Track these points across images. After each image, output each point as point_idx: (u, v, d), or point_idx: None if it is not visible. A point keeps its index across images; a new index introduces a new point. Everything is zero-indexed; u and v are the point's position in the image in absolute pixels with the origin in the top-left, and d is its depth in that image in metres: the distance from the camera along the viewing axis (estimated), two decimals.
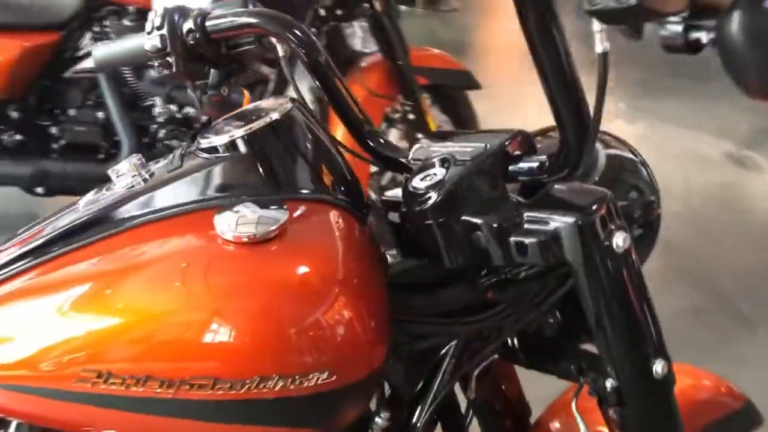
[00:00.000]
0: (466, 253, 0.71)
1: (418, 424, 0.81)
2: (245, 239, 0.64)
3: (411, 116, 2.33)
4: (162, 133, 2.37)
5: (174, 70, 0.79)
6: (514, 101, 4.03)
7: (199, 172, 0.72)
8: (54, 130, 2.38)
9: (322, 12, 2.36)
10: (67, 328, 0.67)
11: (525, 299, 0.77)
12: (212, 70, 0.85)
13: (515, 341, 0.85)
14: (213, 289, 0.66)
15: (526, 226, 0.68)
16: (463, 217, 0.69)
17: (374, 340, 0.69)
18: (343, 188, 0.75)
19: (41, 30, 2.25)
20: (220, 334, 0.63)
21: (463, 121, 2.59)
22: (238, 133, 0.71)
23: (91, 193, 0.76)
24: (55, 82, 2.35)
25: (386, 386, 0.87)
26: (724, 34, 0.59)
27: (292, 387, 0.64)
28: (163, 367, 0.64)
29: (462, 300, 0.78)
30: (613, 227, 0.67)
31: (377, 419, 0.83)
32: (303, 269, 0.66)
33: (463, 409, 0.89)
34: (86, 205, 0.74)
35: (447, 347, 0.82)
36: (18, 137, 2.34)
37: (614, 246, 0.67)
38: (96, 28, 2.41)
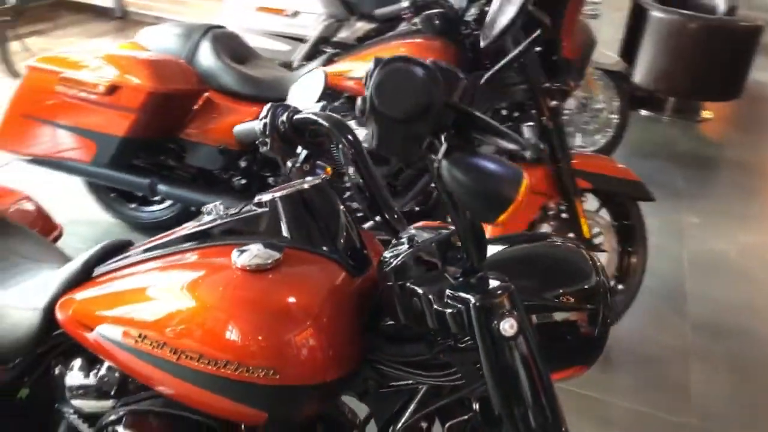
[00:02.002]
0: (410, 314, 0.90)
1: None
2: (248, 268, 0.93)
3: (564, 215, 2.44)
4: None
5: (269, 148, 1.12)
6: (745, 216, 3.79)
7: (244, 217, 1.03)
8: (270, 179, 2.87)
9: (504, 111, 2.64)
10: (132, 302, 1.00)
11: (472, 367, 0.93)
12: (303, 151, 1.17)
13: (477, 406, 1.00)
14: (216, 296, 0.94)
15: (447, 300, 0.86)
16: (408, 285, 0.90)
17: (326, 362, 0.92)
18: (345, 249, 1.00)
19: (274, 101, 2.78)
20: (209, 325, 0.92)
21: (628, 231, 2.59)
22: (277, 195, 1.01)
23: (193, 221, 1.11)
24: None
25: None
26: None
27: (246, 374, 0.89)
28: (173, 340, 0.93)
29: (422, 356, 0.96)
30: (505, 314, 0.82)
31: None
32: (283, 295, 0.92)
33: None
34: (183, 228, 1.09)
35: (414, 391, 1.01)
36: (243, 182, 2.85)
37: (501, 329, 0.81)
38: None
